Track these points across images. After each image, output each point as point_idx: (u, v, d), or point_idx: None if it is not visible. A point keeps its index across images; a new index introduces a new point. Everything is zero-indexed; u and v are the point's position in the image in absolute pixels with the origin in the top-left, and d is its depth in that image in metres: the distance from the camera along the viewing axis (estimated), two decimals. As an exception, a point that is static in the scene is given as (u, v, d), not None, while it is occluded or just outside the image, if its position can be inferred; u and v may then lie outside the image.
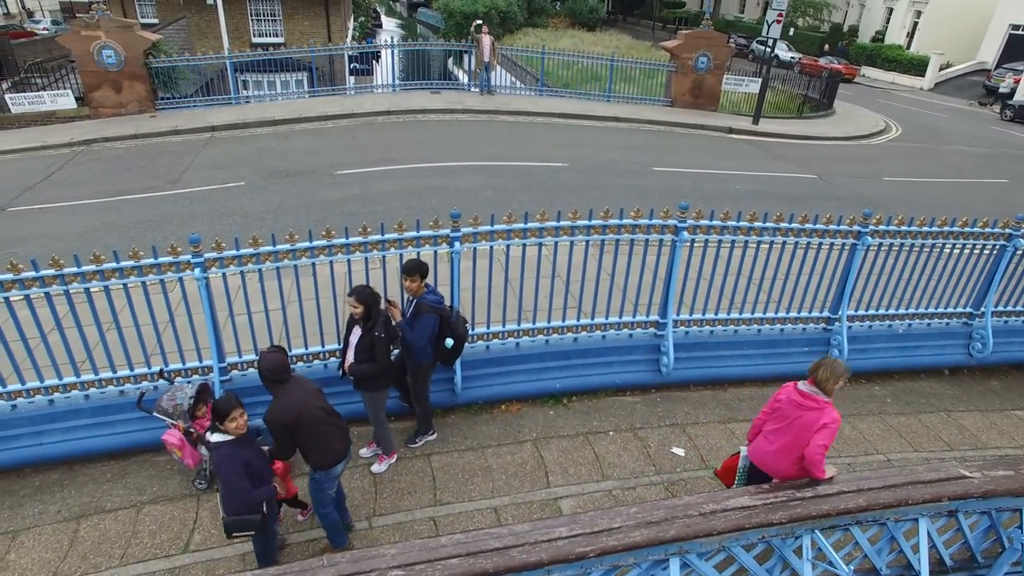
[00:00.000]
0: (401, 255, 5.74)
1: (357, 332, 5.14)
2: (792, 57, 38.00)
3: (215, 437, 4.10)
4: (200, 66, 18.24)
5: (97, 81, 16.92)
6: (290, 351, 6.00)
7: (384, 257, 5.77)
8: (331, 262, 5.65)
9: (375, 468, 5.73)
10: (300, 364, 6.13)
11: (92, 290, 5.32)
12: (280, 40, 25.67)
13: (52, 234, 10.48)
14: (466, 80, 20.71)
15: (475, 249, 5.94)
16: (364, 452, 5.88)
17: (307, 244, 5.50)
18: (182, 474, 5.75)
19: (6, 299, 5.14)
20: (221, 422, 4.05)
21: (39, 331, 5.43)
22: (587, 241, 6.07)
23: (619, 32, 45.05)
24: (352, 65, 24.05)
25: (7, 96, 17.07)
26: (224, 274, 5.48)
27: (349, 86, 19.96)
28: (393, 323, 5.22)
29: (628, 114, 18.53)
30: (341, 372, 5.36)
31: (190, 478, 5.65)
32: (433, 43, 19.69)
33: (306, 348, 6.09)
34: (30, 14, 50.09)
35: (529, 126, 16.61)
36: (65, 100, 17.25)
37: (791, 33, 39.33)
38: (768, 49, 19.72)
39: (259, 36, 25.82)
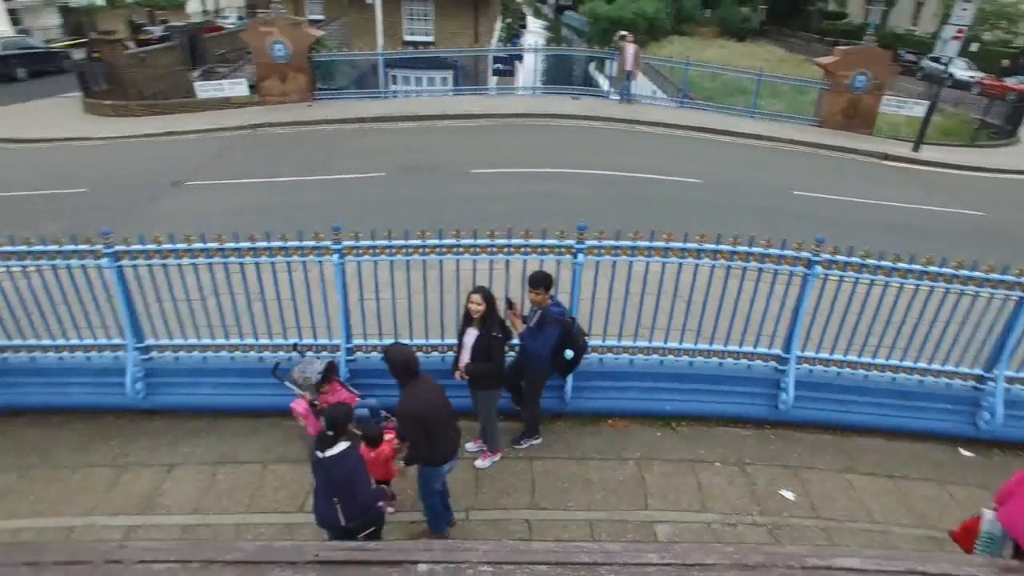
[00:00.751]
0: (524, 261, 5.88)
1: (472, 333, 5.33)
2: (971, 76, 33.67)
3: (336, 448, 4.11)
4: (356, 61, 19.58)
5: (267, 72, 18.70)
6: (411, 341, 6.37)
7: (508, 261, 5.92)
8: (457, 261, 5.90)
9: (479, 463, 5.93)
10: (419, 354, 6.44)
11: (245, 265, 5.92)
12: (430, 39, 26.94)
13: (216, 207, 11.77)
14: (607, 87, 20.67)
15: (597, 263, 5.95)
16: (470, 446, 6.09)
17: (436, 242, 5.80)
18: (304, 440, 6.26)
19: (179, 266, 5.87)
20: (374, 447, 4.39)
21: (199, 296, 6.16)
22: (713, 265, 5.91)
23: (771, 44, 42.93)
24: (496, 66, 24.79)
25: (196, 84, 19.29)
26: (359, 262, 5.89)
27: (491, 87, 20.62)
28: (515, 332, 5.34)
29: (772, 132, 17.63)
30: (454, 371, 5.53)
31: (310, 444, 6.16)
32: (576, 48, 19.80)
33: (426, 339, 6.40)
34: (221, 11, 56.01)
35: (667, 138, 16.31)
36: (240, 88, 19.22)
37: (973, 49, 34.75)
38: (942, 67, 17.95)
39: (411, 34, 27.24)
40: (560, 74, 19.31)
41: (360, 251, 5.82)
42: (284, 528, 5.48)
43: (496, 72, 25.22)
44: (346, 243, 5.77)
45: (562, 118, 17.20)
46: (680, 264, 5.95)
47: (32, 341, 6.50)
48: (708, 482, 5.95)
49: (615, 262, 5.93)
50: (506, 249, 5.84)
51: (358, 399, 6.12)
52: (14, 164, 15.58)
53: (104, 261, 5.79)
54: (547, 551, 3.79)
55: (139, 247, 5.82)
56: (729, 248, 5.80)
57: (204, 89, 19.19)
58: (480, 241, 5.82)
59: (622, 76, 19.06)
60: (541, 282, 5.28)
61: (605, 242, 5.86)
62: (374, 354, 6.47)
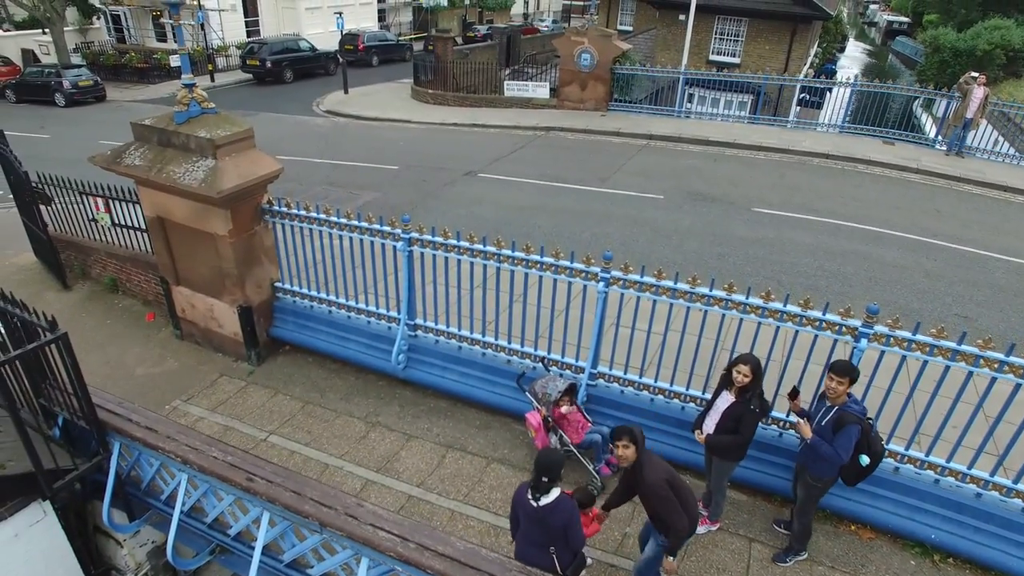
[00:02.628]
0: (796, 332, 5.16)
1: (726, 397, 4.85)
2: None
3: (551, 495, 4.01)
4: (655, 76, 19.48)
5: (569, 78, 19.57)
6: (655, 381, 6.06)
7: (779, 328, 5.24)
8: (723, 315, 5.40)
9: (698, 529, 5.42)
10: (659, 397, 6.12)
11: (515, 272, 6.14)
12: (736, 60, 25.75)
13: (500, 201, 12.65)
14: (933, 133, 17.61)
15: (883, 351, 4.95)
16: None
17: (706, 291, 5.37)
18: (528, 448, 6.36)
19: (458, 260, 6.33)
20: (583, 509, 4.34)
21: (470, 287, 6.56)
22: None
23: None
24: (802, 96, 22.78)
25: (504, 83, 21.00)
26: (623, 293, 5.73)
27: (789, 118, 18.96)
28: (804, 438, 4.67)
29: None
30: (695, 430, 5.11)
31: (533, 455, 6.23)
32: (901, 87, 16.99)
33: (671, 384, 6.02)
34: (540, 14, 60.54)
35: (1002, 204, 13.34)
36: (542, 91, 20.44)
37: None
38: None
39: (716, 54, 26.34)
40: (873, 111, 16.76)
41: (626, 284, 5.63)
42: (491, 528, 5.62)
43: (802, 103, 23.20)
44: (615, 273, 5.64)
45: (869, 164, 15.07)
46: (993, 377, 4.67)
47: (332, 296, 7.60)
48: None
49: (926, 362, 4.86)
50: (779, 315, 5.16)
51: (590, 425, 6.03)
52: (355, 137, 18.62)
53: (399, 244, 6.48)
54: None
55: (429, 237, 6.38)
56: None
57: (511, 88, 20.81)
58: (752, 300, 5.23)
59: (958, 123, 16.04)
60: (848, 372, 4.44)
61: (899, 332, 4.83)
62: (615, 385, 6.30)
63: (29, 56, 29.87)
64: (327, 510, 4.71)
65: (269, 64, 28.05)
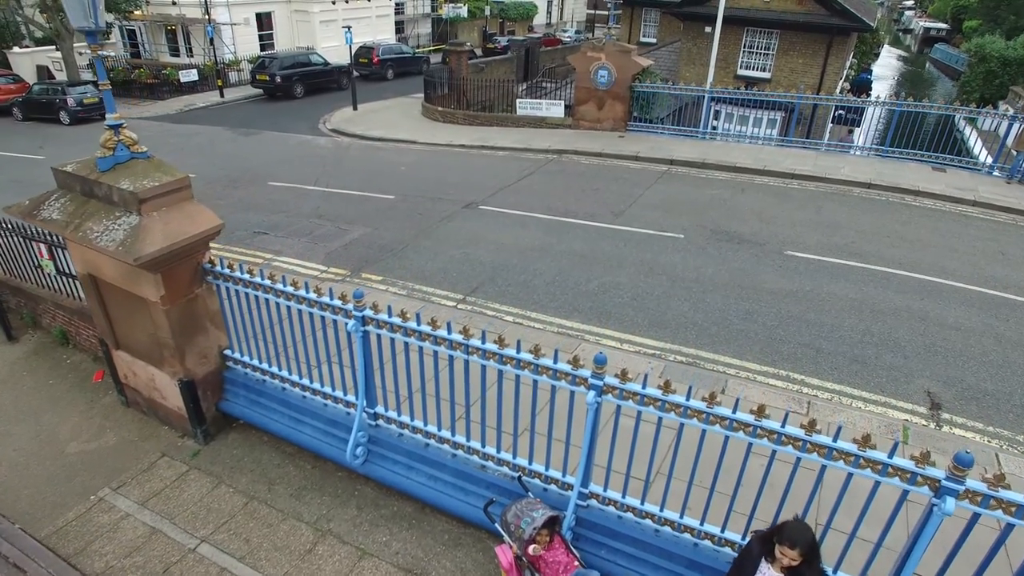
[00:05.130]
0: (850, 475, 3.83)
1: (769, 574, 3.55)
2: None
3: None
4: (679, 95, 18.15)
5: (586, 96, 18.34)
6: (661, 510, 4.78)
7: (824, 467, 3.92)
8: (749, 443, 4.09)
9: None
10: (666, 528, 4.83)
11: (487, 367, 4.93)
12: (766, 75, 24.26)
13: (499, 241, 11.45)
14: (986, 157, 15.93)
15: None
16: None
17: (727, 413, 4.06)
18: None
19: (419, 348, 5.14)
20: None
21: (434, 375, 5.37)
22: None
23: None
24: (837, 112, 21.23)
25: (517, 101, 19.86)
26: (620, 405, 4.47)
27: (824, 141, 17.40)
28: None
29: None
30: None
31: (508, 594, 4.99)
32: (947, 107, 15.25)
33: (680, 515, 4.72)
34: (564, 23, 59.43)
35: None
36: (556, 110, 19.24)
37: None
38: None
39: (745, 68, 24.87)
40: (912, 129, 15.08)
41: (624, 394, 4.37)
42: None
43: (837, 120, 21.65)
44: (609, 380, 4.38)
45: (917, 195, 13.50)
46: None
47: (284, 372, 6.48)
48: None
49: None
50: (827, 452, 3.82)
51: (576, 566, 4.77)
52: (355, 161, 17.62)
53: (351, 324, 5.33)
54: None
55: (385, 317, 5.22)
56: None
57: (523, 107, 19.65)
58: (788, 430, 3.90)
59: (1020, 148, 14.43)
60: None
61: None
62: (610, 508, 5.04)
63: (44, 72, 29.66)
64: None
65: (279, 79, 27.33)
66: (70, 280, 8.04)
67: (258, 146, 19.02)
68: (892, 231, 11.70)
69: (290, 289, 5.73)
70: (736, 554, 4.61)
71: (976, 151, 17.55)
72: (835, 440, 3.79)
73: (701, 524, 4.68)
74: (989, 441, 6.61)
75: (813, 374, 7.61)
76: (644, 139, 17.56)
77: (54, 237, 7.70)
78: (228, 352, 6.83)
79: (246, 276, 5.99)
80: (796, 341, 8.21)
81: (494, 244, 11.36)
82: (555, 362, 4.58)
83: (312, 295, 5.59)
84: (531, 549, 4.54)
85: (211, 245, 10.69)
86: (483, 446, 5.47)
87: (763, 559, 3.64)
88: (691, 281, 9.84)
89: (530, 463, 5.26)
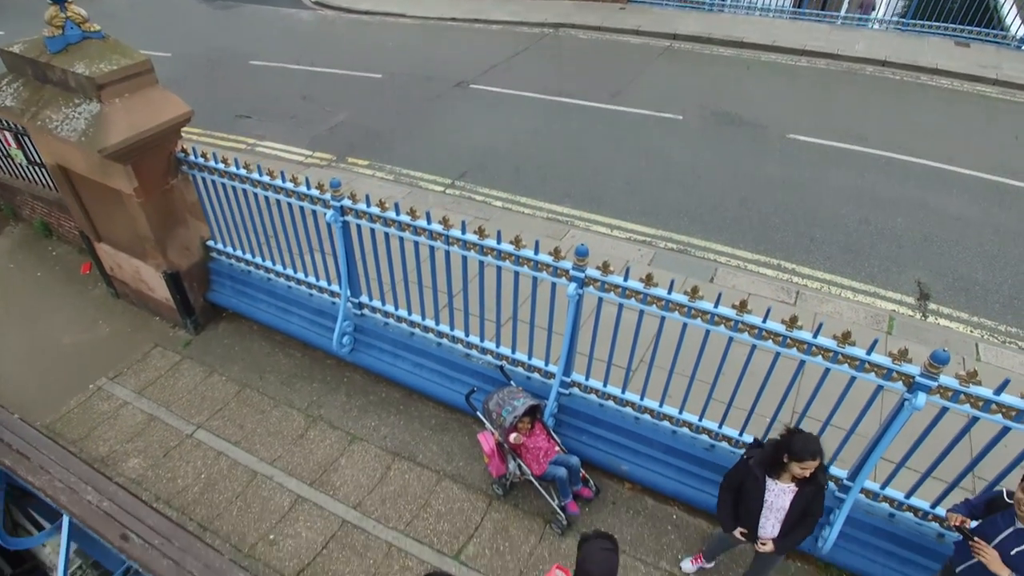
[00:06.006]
0: (827, 370, 3.83)
1: (782, 489, 3.54)
2: None
3: None
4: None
5: (588, -38, 16.92)
6: (642, 398, 4.87)
7: (803, 362, 3.90)
8: (730, 337, 4.06)
9: None
10: (646, 416, 4.95)
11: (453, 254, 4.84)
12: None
13: (489, 124, 10.97)
14: (1019, 28, 14.74)
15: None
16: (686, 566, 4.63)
17: (708, 307, 4.00)
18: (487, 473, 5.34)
19: (400, 238, 5.02)
20: None
21: (416, 264, 5.29)
22: None
23: None
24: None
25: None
26: (602, 298, 4.41)
27: (840, 13, 16.19)
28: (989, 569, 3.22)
29: None
30: (753, 540, 3.77)
31: (489, 477, 5.23)
32: None
33: (660, 404, 4.82)
34: None
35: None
36: (555, -22, 17.79)
37: None
38: None
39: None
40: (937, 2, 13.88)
41: (606, 287, 4.30)
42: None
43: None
44: (590, 272, 4.29)
45: (935, 74, 12.75)
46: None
47: (268, 263, 6.40)
48: None
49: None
50: (808, 348, 3.80)
51: (557, 451, 4.95)
52: (341, 37, 16.53)
53: (329, 214, 5.17)
54: None
55: (364, 207, 5.05)
56: None
57: (520, -26, 18.16)
58: (771, 326, 3.86)
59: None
60: None
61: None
62: (592, 396, 5.13)
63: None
64: (204, 590, 3.83)
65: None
66: (42, 170, 7.76)
67: (236, 20, 17.79)
68: (902, 114, 11.18)
69: (266, 179, 5.52)
70: (710, 440, 4.76)
71: (1008, 20, 16.26)
72: (815, 336, 3.76)
73: (680, 413, 4.78)
74: (972, 331, 6.64)
75: (805, 263, 7.54)
76: (647, 11, 16.41)
77: (17, 125, 7.35)
78: (211, 243, 6.72)
79: (220, 166, 5.76)
80: (791, 229, 8.06)
81: (484, 126, 10.90)
82: (536, 253, 4.47)
83: (289, 185, 5.39)
84: (512, 438, 4.66)
85: (191, 131, 10.32)
86: (467, 335, 5.50)
87: (771, 477, 3.54)
88: (687, 166, 9.52)
89: (513, 352, 5.30)
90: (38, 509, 5.66)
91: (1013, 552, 3.11)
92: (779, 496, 3.52)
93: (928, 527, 4.22)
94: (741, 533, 3.77)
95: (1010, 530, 3.15)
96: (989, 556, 3.16)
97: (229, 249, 6.59)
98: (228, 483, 5.41)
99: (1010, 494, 3.18)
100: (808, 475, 3.37)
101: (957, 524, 3.37)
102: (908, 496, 4.20)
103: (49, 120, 5.45)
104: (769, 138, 10.26)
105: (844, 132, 10.41)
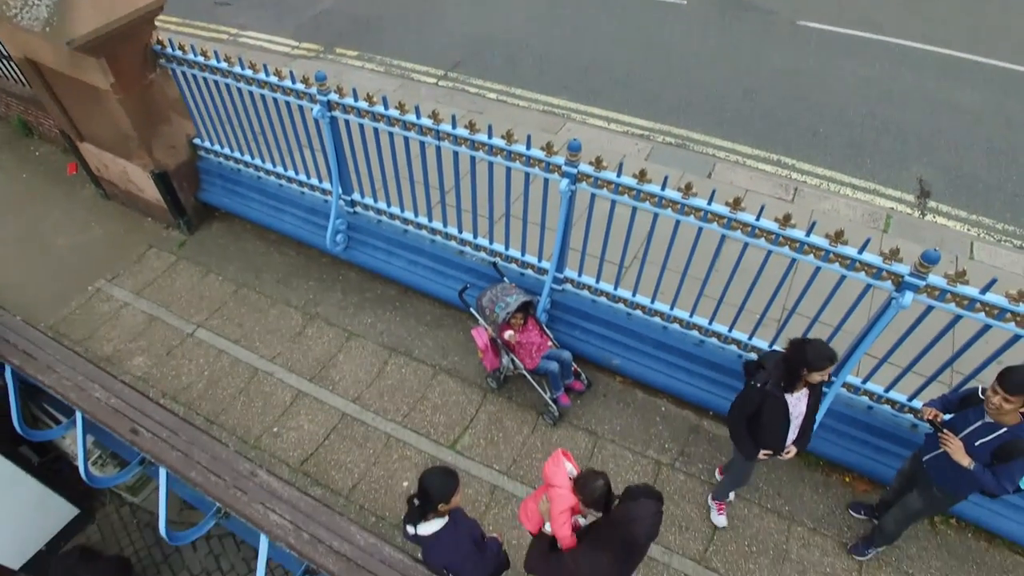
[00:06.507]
0: (818, 268, 3.82)
1: (796, 401, 3.55)
2: None
3: (428, 527, 3.06)
4: None
5: None
6: (634, 295, 4.91)
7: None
8: (723, 235, 4.03)
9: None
10: (638, 312, 5.02)
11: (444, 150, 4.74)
12: None
13: (484, 10, 10.32)
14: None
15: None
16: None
17: (702, 204, 3.94)
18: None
19: (390, 133, 4.89)
20: (447, 503, 3.02)
21: (407, 161, 5.18)
22: None
23: None
24: None
25: None
26: (595, 195, 4.34)
27: None
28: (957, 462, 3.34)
29: None
30: (773, 456, 3.83)
31: (484, 374, 5.38)
32: None
33: (652, 300, 4.87)
34: None
35: None
36: None
37: None
38: None
39: None
40: None
41: (599, 183, 4.22)
42: (428, 460, 4.97)
43: None
44: (583, 168, 4.20)
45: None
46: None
47: (257, 161, 6.27)
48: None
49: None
50: (798, 245, 3.77)
51: (550, 345, 5.06)
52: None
53: (316, 109, 4.99)
54: None
55: (351, 102, 4.88)
56: None
57: None
58: (764, 224, 3.81)
59: None
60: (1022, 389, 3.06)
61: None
62: (584, 292, 5.18)
63: None
64: (215, 480, 4.02)
65: None
66: (11, 63, 7.40)
67: None
68: (920, 1, 10.48)
69: (248, 73, 5.28)
70: (700, 336, 4.84)
71: None
72: (808, 235, 3.73)
73: (671, 309, 4.83)
74: (969, 230, 6.59)
75: (806, 159, 7.36)
76: None
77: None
78: (197, 141, 6.55)
79: (200, 59, 5.49)
80: (794, 124, 7.80)
81: (480, 13, 10.29)
82: (528, 148, 4.36)
83: (273, 79, 5.17)
84: (507, 335, 4.75)
85: (167, 20, 9.78)
86: (460, 232, 5.47)
87: (789, 392, 3.50)
88: (690, 55, 9.07)
89: (506, 249, 5.30)
90: (53, 404, 5.88)
91: (977, 443, 3.25)
92: (797, 406, 3.55)
93: (903, 418, 4.39)
94: (765, 454, 3.77)
95: (979, 423, 3.27)
96: (953, 446, 3.31)
97: (216, 147, 6.43)
98: (231, 380, 5.57)
99: (984, 391, 3.26)
100: (827, 378, 3.43)
101: (930, 418, 3.51)
102: (887, 390, 4.33)
103: (6, 6, 5.13)
104: (778, 24, 9.70)
105: (858, 19, 9.81)
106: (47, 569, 6.89)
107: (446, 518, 3.05)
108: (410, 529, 3.07)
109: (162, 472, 4.17)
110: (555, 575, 2.99)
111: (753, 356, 4.66)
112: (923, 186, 6.95)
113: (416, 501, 2.98)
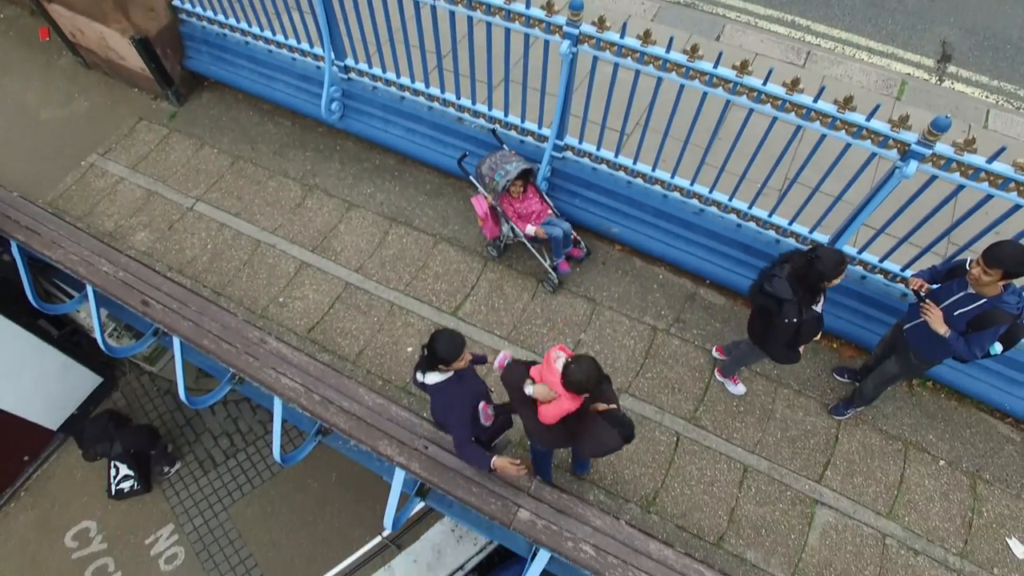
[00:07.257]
0: (823, 136, 3.73)
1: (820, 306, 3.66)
2: None
3: (433, 377, 3.31)
4: None
5: None
6: (635, 163, 4.84)
7: (806, 133, 3.77)
8: (728, 100, 3.90)
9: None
10: (638, 180, 4.97)
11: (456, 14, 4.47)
12: None
13: None
14: None
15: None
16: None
17: (707, 68, 3.79)
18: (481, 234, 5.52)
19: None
20: (448, 364, 3.25)
21: (401, 23, 4.91)
22: None
23: None
24: None
25: None
26: (596, 58, 4.16)
27: None
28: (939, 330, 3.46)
29: None
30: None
31: (484, 242, 5.44)
32: None
33: (653, 168, 4.81)
34: None
35: None
36: None
37: None
38: None
39: None
40: None
41: (602, 45, 4.03)
42: (431, 326, 5.14)
43: None
44: (585, 28, 3.99)
45: None
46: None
47: (244, 25, 5.94)
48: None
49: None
50: (806, 112, 3.65)
51: (550, 213, 5.08)
52: None
53: (299, -37, 4.66)
54: (660, 553, 3.07)
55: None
56: None
57: None
58: (771, 89, 3.68)
59: None
60: (1002, 262, 3.10)
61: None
62: (584, 160, 5.11)
63: None
64: (227, 347, 4.19)
65: None
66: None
67: None
68: None
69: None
70: (699, 204, 4.83)
71: None
72: (815, 101, 3.61)
73: (672, 177, 4.79)
74: (987, 96, 6.33)
75: (822, 20, 6.94)
76: None
77: None
78: (177, 3, 6.16)
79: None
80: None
81: None
82: (528, 7, 4.12)
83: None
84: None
85: None
86: (458, 98, 5.30)
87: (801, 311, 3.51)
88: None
89: (506, 115, 5.16)
90: (64, 279, 6.01)
91: (956, 312, 3.37)
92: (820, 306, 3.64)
93: (894, 288, 4.49)
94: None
95: (961, 294, 3.37)
96: (933, 315, 3.43)
97: (199, 10, 6.07)
98: (234, 252, 5.64)
99: (971, 263, 3.30)
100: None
101: (915, 288, 3.60)
102: (882, 260, 4.39)
103: None
104: None
105: None
106: (83, 430, 7.43)
107: (451, 372, 3.25)
108: (419, 376, 3.31)
109: (176, 341, 4.35)
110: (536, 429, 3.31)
111: (752, 225, 4.69)
112: (945, 49, 6.60)
113: (425, 351, 3.20)
